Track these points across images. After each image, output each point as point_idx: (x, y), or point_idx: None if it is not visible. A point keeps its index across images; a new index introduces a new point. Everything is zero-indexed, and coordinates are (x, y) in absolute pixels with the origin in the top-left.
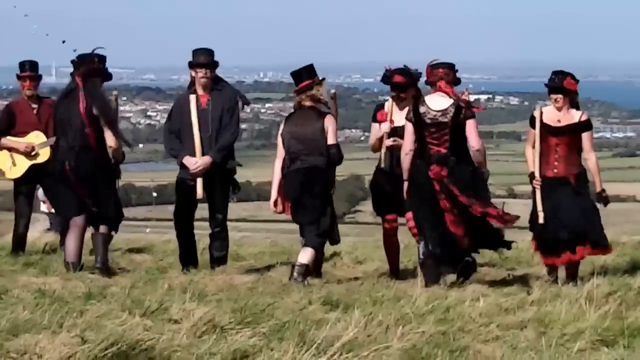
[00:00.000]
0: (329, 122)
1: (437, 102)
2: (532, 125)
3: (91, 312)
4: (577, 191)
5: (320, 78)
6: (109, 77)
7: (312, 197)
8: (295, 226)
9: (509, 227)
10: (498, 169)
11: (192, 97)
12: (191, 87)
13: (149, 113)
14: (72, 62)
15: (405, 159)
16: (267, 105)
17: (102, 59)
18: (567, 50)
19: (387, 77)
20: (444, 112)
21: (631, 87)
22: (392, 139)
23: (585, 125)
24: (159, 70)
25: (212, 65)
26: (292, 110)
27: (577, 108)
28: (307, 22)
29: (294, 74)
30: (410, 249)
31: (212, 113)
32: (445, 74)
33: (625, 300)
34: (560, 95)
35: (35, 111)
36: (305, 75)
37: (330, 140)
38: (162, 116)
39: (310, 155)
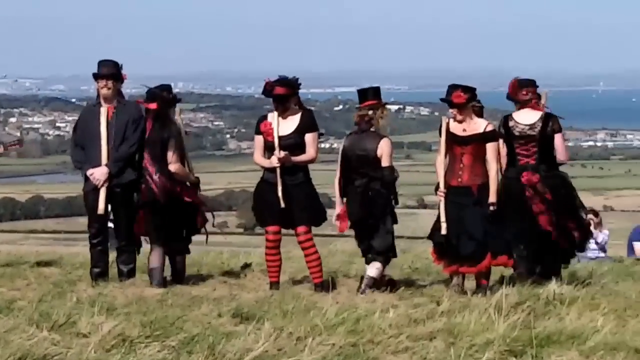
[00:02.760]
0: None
1: (525, 117)
2: (441, 134)
3: None
4: (479, 202)
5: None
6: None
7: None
8: (202, 237)
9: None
10: (409, 179)
11: (103, 110)
12: (98, 99)
13: (57, 124)
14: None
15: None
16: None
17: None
18: (478, 59)
19: (267, 90)
20: (531, 126)
21: None
22: (280, 153)
23: (491, 136)
24: (68, 80)
25: (115, 77)
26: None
27: (481, 116)
28: (218, 29)
29: (360, 91)
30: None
31: (116, 125)
32: (534, 93)
33: (534, 310)
34: (453, 110)
35: None
36: (371, 95)
37: (385, 163)
38: (70, 127)
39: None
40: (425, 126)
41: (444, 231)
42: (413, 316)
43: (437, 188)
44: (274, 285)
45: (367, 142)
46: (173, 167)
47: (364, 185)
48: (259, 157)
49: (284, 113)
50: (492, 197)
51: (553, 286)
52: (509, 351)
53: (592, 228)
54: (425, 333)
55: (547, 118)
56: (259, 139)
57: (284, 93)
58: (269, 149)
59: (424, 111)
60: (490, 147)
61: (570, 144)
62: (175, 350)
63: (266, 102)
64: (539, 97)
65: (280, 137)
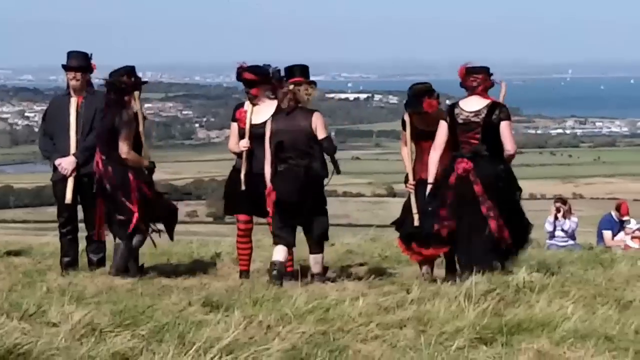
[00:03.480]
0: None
1: (470, 104)
2: (404, 128)
3: None
4: None
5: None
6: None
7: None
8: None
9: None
10: (378, 167)
11: (73, 100)
12: (68, 89)
13: (26, 114)
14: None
15: (433, 155)
16: (146, 105)
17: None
18: (446, 50)
19: (238, 74)
20: (476, 113)
21: (508, 85)
22: (246, 141)
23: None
24: (37, 71)
25: (84, 68)
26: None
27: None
28: (187, 21)
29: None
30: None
31: (85, 115)
32: (484, 80)
33: (504, 297)
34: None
35: None
36: (298, 72)
37: (321, 134)
38: (40, 117)
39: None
40: (394, 114)
41: (416, 222)
42: (383, 304)
43: (406, 180)
44: (244, 273)
45: (299, 119)
46: (124, 154)
47: (304, 165)
48: (233, 145)
49: (254, 100)
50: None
51: (522, 274)
52: (479, 339)
53: (560, 216)
54: (395, 321)
55: (494, 106)
56: (234, 127)
57: (251, 79)
58: (243, 137)
59: (393, 99)
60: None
61: (539, 131)
62: (145, 339)
63: (234, 92)
64: (492, 85)
65: (252, 125)
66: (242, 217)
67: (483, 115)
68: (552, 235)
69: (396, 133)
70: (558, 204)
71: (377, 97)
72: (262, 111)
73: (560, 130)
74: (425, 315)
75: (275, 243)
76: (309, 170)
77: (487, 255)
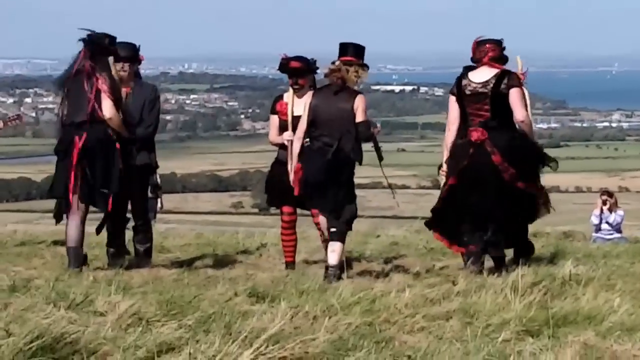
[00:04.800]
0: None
1: (479, 75)
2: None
3: (15, 305)
4: None
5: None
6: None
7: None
8: (217, 218)
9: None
10: (423, 159)
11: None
12: None
13: None
14: (82, 40)
15: (448, 134)
16: (191, 96)
17: (112, 39)
18: None
19: (283, 65)
20: (484, 83)
21: (554, 78)
22: (290, 133)
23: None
24: None
25: (132, 59)
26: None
27: None
28: (231, 11)
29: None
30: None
31: (132, 106)
32: (491, 49)
33: (550, 290)
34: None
35: None
36: (351, 52)
37: (360, 117)
38: None
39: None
40: (440, 107)
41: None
42: (429, 296)
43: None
44: (290, 265)
45: (341, 98)
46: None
47: (335, 146)
48: (274, 137)
49: (299, 91)
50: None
51: (569, 266)
52: (525, 331)
53: (606, 209)
54: (441, 313)
55: (503, 74)
56: (275, 119)
57: (299, 67)
58: (284, 129)
59: (438, 92)
60: None
61: (585, 124)
62: (191, 329)
63: (280, 83)
64: (504, 58)
65: (294, 117)
66: (286, 209)
67: (491, 85)
68: (598, 229)
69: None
70: (604, 197)
71: (422, 89)
72: (303, 102)
73: (606, 124)
74: (472, 307)
75: (327, 227)
76: (338, 152)
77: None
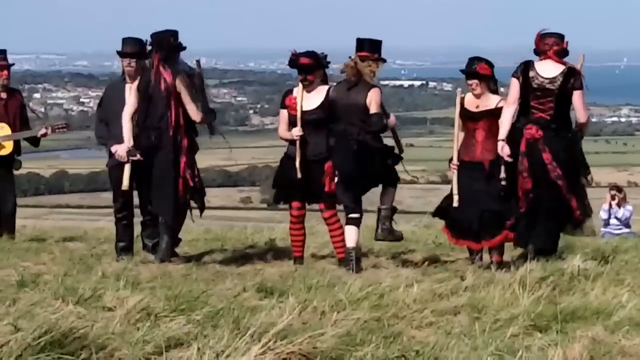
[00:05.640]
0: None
1: (546, 69)
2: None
3: (24, 300)
4: (491, 177)
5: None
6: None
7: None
8: (226, 213)
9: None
10: (432, 154)
11: (128, 86)
12: (123, 75)
13: (81, 99)
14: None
15: (506, 112)
16: None
17: (175, 34)
18: (501, 36)
19: (293, 60)
20: (552, 80)
21: None
22: (299, 129)
23: (502, 112)
24: (91, 56)
25: (138, 54)
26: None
27: (497, 93)
28: (240, 6)
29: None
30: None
31: None
32: (556, 43)
33: (558, 285)
34: (475, 81)
35: (3, 102)
36: (367, 47)
37: (373, 109)
38: (94, 102)
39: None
40: (449, 102)
41: (455, 204)
42: (437, 291)
43: (450, 161)
44: (298, 260)
45: (356, 92)
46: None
47: (355, 138)
48: (283, 132)
49: (309, 87)
50: (503, 173)
51: (577, 261)
52: (533, 326)
53: (615, 204)
54: (449, 308)
55: (570, 73)
56: (284, 113)
57: (308, 63)
58: (293, 124)
59: (447, 87)
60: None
61: (594, 119)
62: (200, 324)
63: (288, 78)
64: (566, 51)
65: (304, 112)
66: (295, 204)
67: (558, 83)
68: (606, 223)
69: (450, 120)
70: (613, 192)
71: (431, 84)
72: (313, 97)
73: (615, 119)
74: (480, 302)
75: (347, 213)
76: (360, 143)
77: (552, 230)
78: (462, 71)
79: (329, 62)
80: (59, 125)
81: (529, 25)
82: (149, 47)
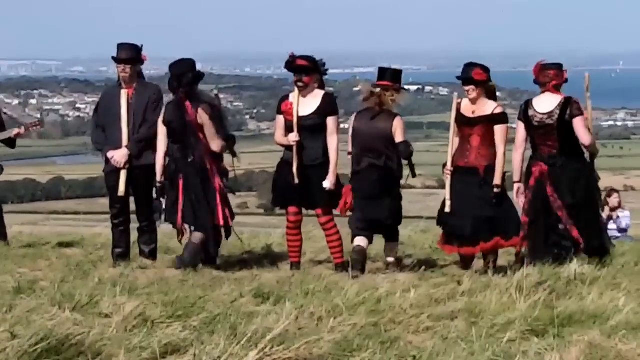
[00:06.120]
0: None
1: (543, 104)
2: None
3: (21, 307)
4: (485, 183)
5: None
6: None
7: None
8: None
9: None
10: (428, 159)
11: (124, 92)
12: (119, 81)
13: (77, 105)
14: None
15: (515, 155)
16: None
17: (193, 64)
18: (498, 41)
19: (289, 62)
20: (549, 114)
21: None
22: (295, 135)
23: (499, 118)
24: (87, 62)
25: (133, 61)
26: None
27: (495, 99)
28: (236, 12)
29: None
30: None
31: (135, 107)
32: (556, 76)
33: (555, 289)
34: (471, 87)
35: None
36: (389, 76)
37: (399, 138)
38: (91, 108)
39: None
40: (445, 106)
41: (447, 209)
42: (434, 296)
43: (444, 166)
44: (295, 265)
45: (380, 121)
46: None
47: (381, 166)
48: (279, 137)
49: (304, 90)
50: (497, 180)
51: (574, 266)
52: (530, 331)
53: (608, 209)
54: (446, 313)
55: (566, 103)
56: (280, 119)
57: (305, 65)
58: (289, 129)
59: (443, 91)
60: (498, 129)
61: None
62: (196, 330)
63: (285, 83)
64: (565, 81)
65: (300, 117)
66: (292, 209)
67: (556, 116)
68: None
69: (446, 125)
70: (617, 199)
71: (427, 88)
72: (309, 102)
73: (611, 123)
74: (477, 307)
75: (355, 236)
76: (385, 170)
77: (552, 249)
78: (458, 78)
79: (326, 70)
80: (32, 124)
81: (526, 29)
82: (144, 54)
